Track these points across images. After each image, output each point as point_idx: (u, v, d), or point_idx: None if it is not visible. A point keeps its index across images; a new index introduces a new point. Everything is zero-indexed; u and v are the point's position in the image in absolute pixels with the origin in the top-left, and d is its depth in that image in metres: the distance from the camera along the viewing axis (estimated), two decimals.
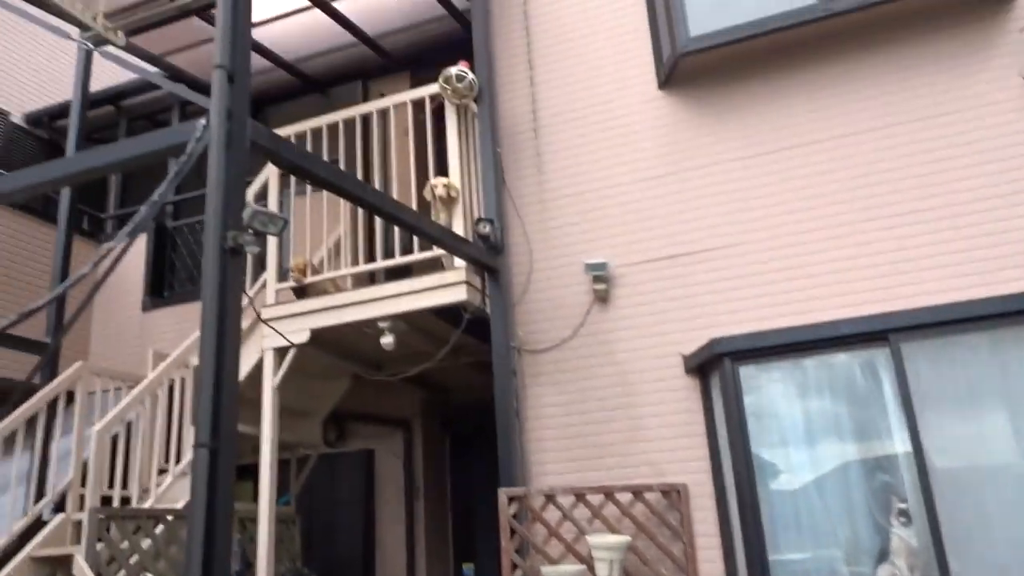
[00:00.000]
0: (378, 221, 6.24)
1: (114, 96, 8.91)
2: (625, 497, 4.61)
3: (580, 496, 4.59)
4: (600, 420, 5.03)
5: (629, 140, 5.53)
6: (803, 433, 4.46)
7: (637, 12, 5.76)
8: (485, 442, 5.53)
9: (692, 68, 5.35)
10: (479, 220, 5.46)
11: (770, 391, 4.54)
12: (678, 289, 5.12)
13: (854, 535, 4.16)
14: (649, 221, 5.33)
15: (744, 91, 5.32)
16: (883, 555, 4.06)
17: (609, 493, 4.60)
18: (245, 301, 5.51)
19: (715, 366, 4.66)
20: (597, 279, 5.27)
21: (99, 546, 5.08)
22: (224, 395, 3.28)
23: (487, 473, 4.95)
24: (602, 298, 5.28)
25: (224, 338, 3.36)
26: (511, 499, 4.58)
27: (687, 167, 5.32)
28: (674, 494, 4.62)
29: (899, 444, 4.17)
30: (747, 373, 4.52)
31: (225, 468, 3.25)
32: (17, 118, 9.06)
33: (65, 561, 5.23)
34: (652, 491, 4.62)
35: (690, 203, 5.23)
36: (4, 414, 5.65)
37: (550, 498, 4.60)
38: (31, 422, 6.06)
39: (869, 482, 4.19)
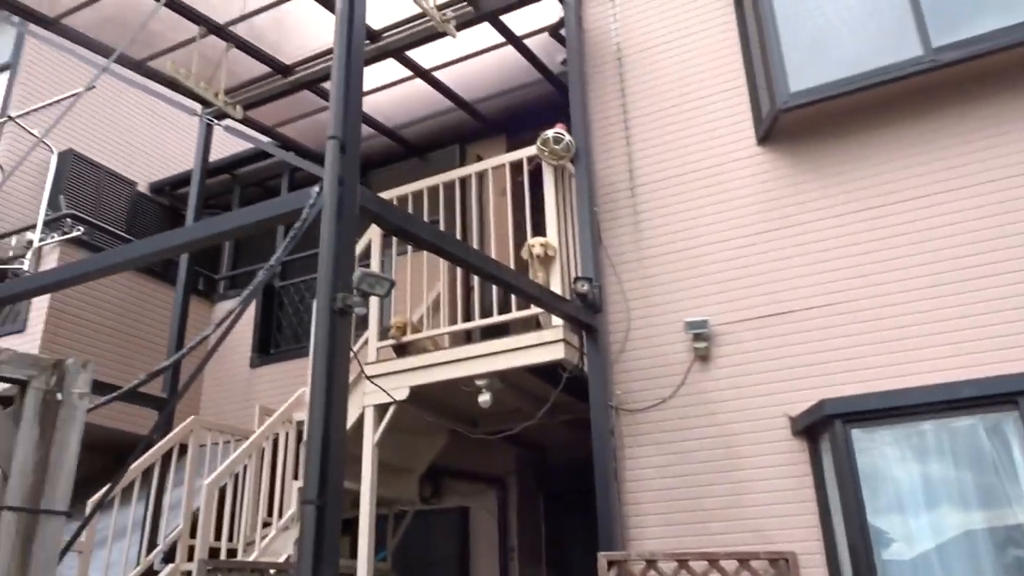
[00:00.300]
0: (475, 280, 6.36)
1: (230, 165, 9.49)
2: (730, 565, 4.44)
3: (683, 562, 4.46)
4: (702, 483, 4.90)
5: (728, 197, 5.49)
6: (921, 500, 4.22)
7: (734, 69, 5.77)
8: (580, 502, 5.45)
9: (792, 123, 5.30)
10: (577, 279, 5.50)
11: (884, 455, 4.34)
12: (782, 348, 4.99)
13: None
14: (750, 278, 5.24)
15: (846, 145, 5.23)
16: None
17: (713, 560, 4.44)
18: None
19: (825, 428, 4.49)
20: (697, 337, 5.20)
21: None
22: (331, 453, 3.37)
23: (583, 533, 4.87)
24: (703, 357, 5.19)
25: (332, 396, 3.48)
26: (611, 563, 4.49)
27: (788, 223, 5.23)
28: (782, 563, 4.42)
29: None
30: (859, 436, 4.34)
31: (331, 524, 3.32)
32: (142, 187, 9.75)
33: None
34: (759, 559, 4.44)
35: (792, 260, 5.13)
36: (126, 470, 5.95)
37: (651, 563, 4.48)
38: (146, 473, 6.35)
39: (997, 555, 3.91)
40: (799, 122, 5.30)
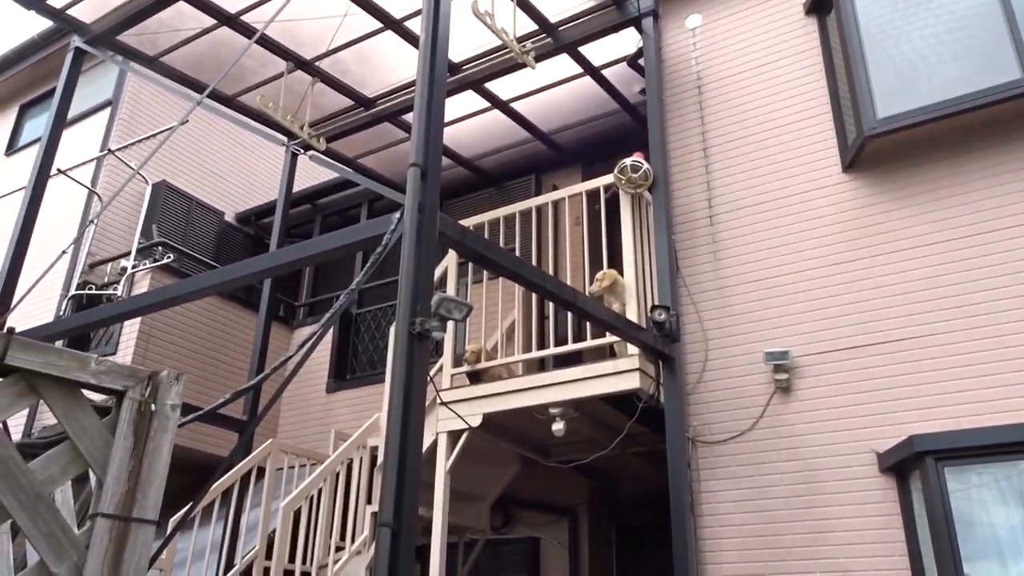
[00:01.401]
0: (550, 308, 6.35)
1: (312, 196, 9.79)
2: None
3: None
4: (782, 519, 4.72)
5: (812, 225, 5.35)
6: (1020, 543, 3.96)
7: (818, 95, 5.66)
8: (654, 535, 5.33)
9: (880, 149, 5.15)
10: (654, 307, 5.42)
11: (981, 497, 4.10)
12: (868, 381, 4.79)
13: None
14: (834, 308, 5.07)
15: (935, 173, 5.04)
16: None
17: None
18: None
19: (915, 465, 4.28)
20: (778, 368, 5.05)
21: None
22: (407, 475, 3.39)
23: (654, 568, 4.74)
24: (783, 388, 5.04)
25: (409, 418, 3.50)
26: None
27: (875, 252, 5.06)
28: None
29: None
30: (953, 474, 4.11)
31: (406, 548, 3.32)
32: (229, 217, 10.13)
33: None
34: None
35: (880, 290, 4.95)
36: (208, 490, 6.10)
37: None
38: (226, 494, 6.51)
39: None
40: (887, 149, 5.14)
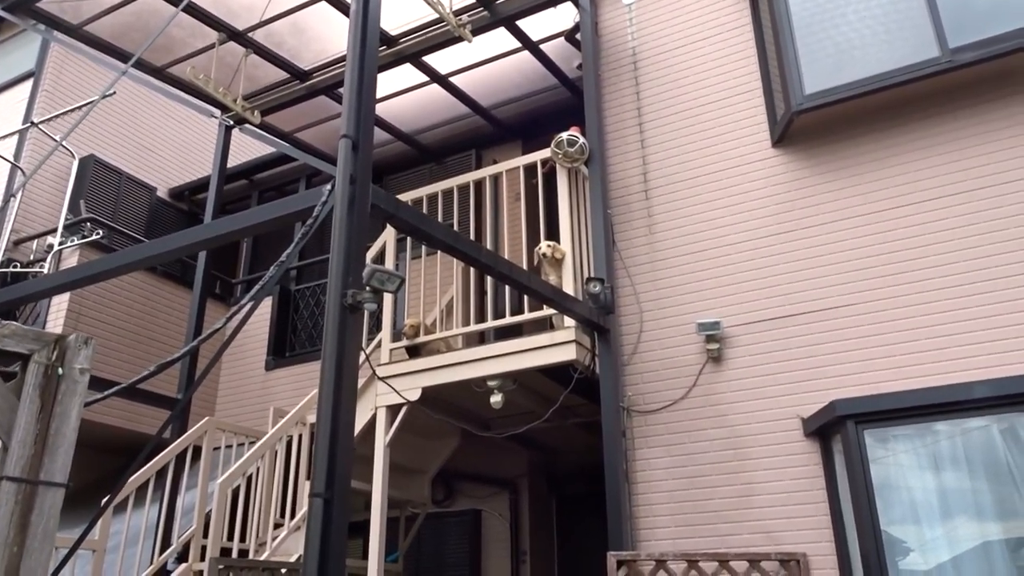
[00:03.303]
0: (488, 283, 6.37)
1: (247, 171, 9.60)
2: (740, 566, 4.40)
3: (692, 563, 4.42)
4: (712, 484, 4.87)
5: (743, 199, 5.47)
6: (935, 503, 4.16)
7: (749, 72, 5.77)
8: (592, 505, 5.44)
9: (806, 125, 5.28)
10: (589, 279, 5.49)
11: (897, 458, 4.28)
12: (795, 350, 4.95)
13: None
14: (764, 280, 5.21)
15: (860, 147, 5.20)
16: None
17: (724, 561, 4.40)
18: (361, 358, 5.75)
19: (837, 429, 4.45)
20: (710, 339, 5.17)
21: None
22: (340, 446, 3.39)
23: (594, 536, 4.85)
24: (715, 358, 5.17)
25: (341, 389, 3.49)
26: (620, 563, 4.46)
27: (803, 225, 5.21)
28: (793, 564, 4.37)
29: None
30: (873, 437, 4.29)
31: (339, 518, 3.33)
32: (161, 193, 9.87)
33: None
34: (770, 560, 4.39)
35: (807, 261, 5.10)
36: (136, 467, 5.98)
37: (661, 563, 4.45)
38: (161, 475, 6.39)
39: (1015, 560, 3.84)
40: (814, 124, 5.28)
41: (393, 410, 5.79)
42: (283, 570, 5.58)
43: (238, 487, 6.14)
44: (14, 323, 1.59)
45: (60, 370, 1.61)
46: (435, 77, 7.20)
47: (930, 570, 4.12)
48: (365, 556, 5.58)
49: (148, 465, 6.21)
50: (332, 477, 3.30)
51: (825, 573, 4.36)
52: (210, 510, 5.92)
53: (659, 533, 4.88)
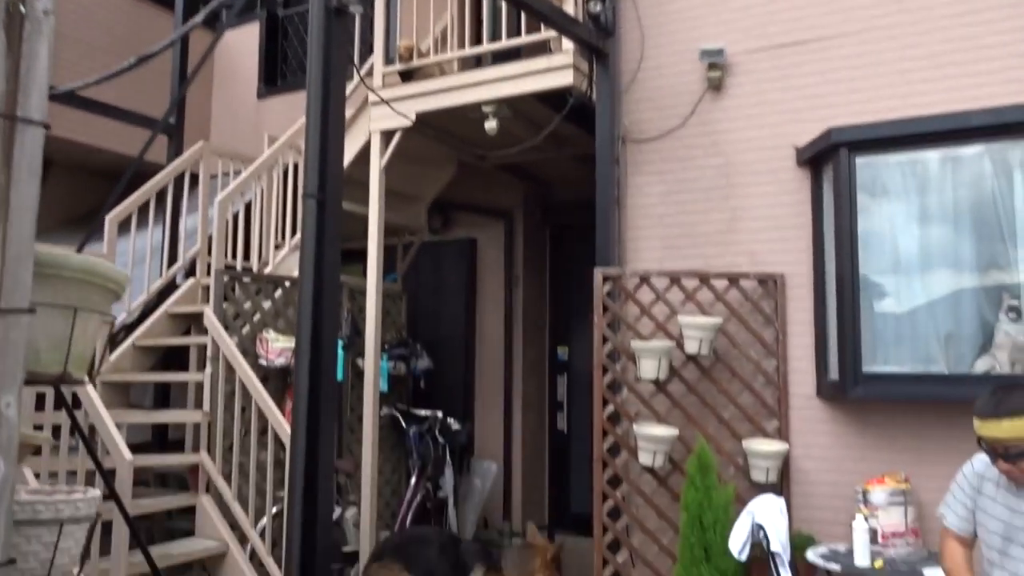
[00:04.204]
0: (485, 6, 6.05)
1: None
2: (720, 283, 4.62)
3: (675, 279, 4.63)
4: (703, 210, 4.96)
5: None
6: (916, 225, 4.24)
7: None
8: (584, 236, 5.58)
9: None
10: None
11: (884, 184, 4.31)
12: (797, 79, 4.80)
13: (957, 331, 4.06)
14: (771, 4, 4.93)
15: None
16: (984, 349, 3.97)
17: (704, 278, 4.61)
18: (355, 83, 5.61)
19: (830, 157, 4.44)
20: (712, 67, 5.00)
21: (225, 304, 5.58)
22: (331, 145, 3.39)
23: (584, 266, 5.01)
24: (715, 87, 5.03)
25: (329, 100, 3.43)
26: (606, 278, 4.67)
27: None
28: (771, 283, 4.59)
29: (1021, 238, 3.94)
30: (864, 164, 4.29)
31: (332, 219, 3.41)
32: None
33: (197, 318, 5.77)
34: (748, 279, 4.60)
35: None
36: (128, 191, 6.02)
37: (644, 279, 4.67)
38: (161, 199, 6.49)
39: (981, 277, 4.01)
40: None
41: (387, 135, 5.77)
42: (287, 283, 5.88)
43: (238, 212, 6.28)
44: None
45: (22, 7, 1.55)
46: None
47: (897, 282, 4.26)
48: (365, 276, 5.83)
49: (147, 186, 6.30)
50: (324, 177, 3.34)
51: (800, 293, 4.58)
52: (212, 234, 6.11)
53: (645, 255, 5.05)
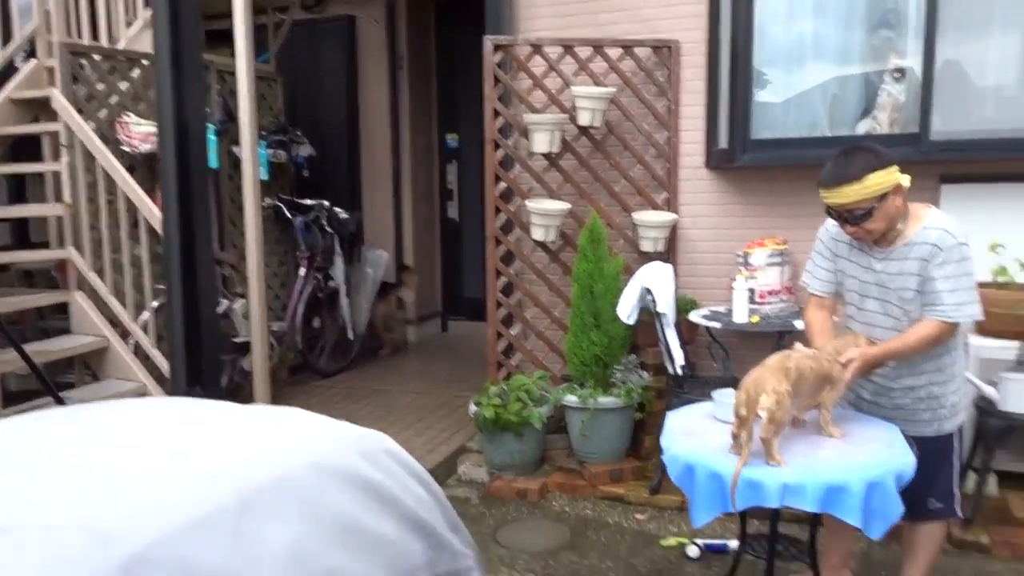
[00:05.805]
0: None
1: None
2: (615, 51, 4.44)
3: (568, 48, 4.42)
4: None
5: None
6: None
7: None
8: (473, 15, 5.19)
9: None
10: None
11: None
12: None
13: (842, 94, 4.09)
14: None
15: None
16: (866, 112, 4.04)
17: (598, 46, 4.42)
18: None
19: None
20: None
21: (75, 86, 5.00)
22: None
23: (473, 47, 4.67)
24: None
25: None
26: (496, 47, 4.41)
27: None
28: (665, 51, 4.45)
29: None
30: None
31: None
32: None
33: (45, 104, 5.18)
34: (643, 46, 4.44)
35: None
36: None
37: (537, 48, 4.43)
38: None
39: (869, 37, 4.00)
40: None
41: None
42: (145, 62, 5.30)
43: None
44: None
45: None
46: None
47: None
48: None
49: None
50: None
51: (694, 60, 4.47)
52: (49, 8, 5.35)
53: (538, 24, 4.76)
